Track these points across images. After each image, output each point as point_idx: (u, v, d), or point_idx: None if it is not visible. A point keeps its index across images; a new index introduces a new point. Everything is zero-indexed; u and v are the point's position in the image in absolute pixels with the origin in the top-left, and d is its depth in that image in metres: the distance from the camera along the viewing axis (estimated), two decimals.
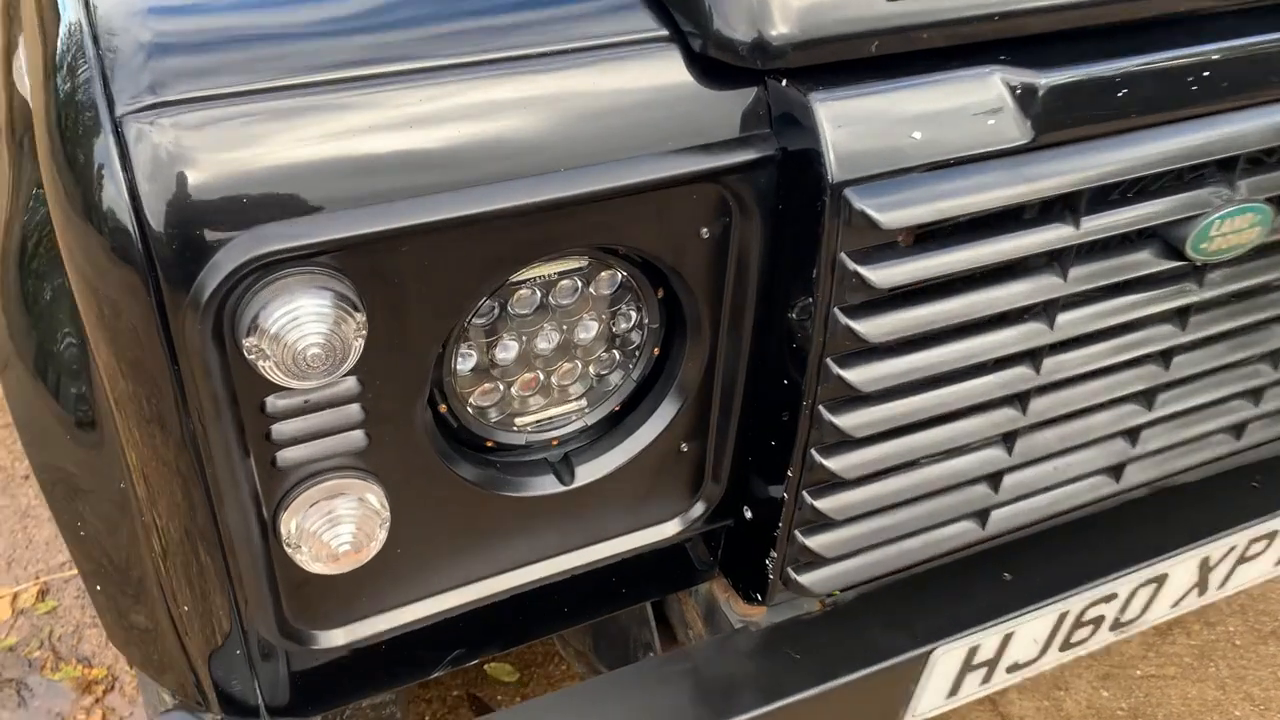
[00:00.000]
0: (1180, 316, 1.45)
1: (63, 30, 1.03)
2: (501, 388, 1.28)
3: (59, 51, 1.02)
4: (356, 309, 1.01)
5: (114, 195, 0.96)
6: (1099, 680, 2.74)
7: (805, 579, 1.41)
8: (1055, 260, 1.30)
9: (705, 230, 1.19)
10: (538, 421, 1.33)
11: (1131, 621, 1.76)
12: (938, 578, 1.60)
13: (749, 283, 1.24)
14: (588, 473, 1.35)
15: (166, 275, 0.97)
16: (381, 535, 1.19)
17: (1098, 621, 1.70)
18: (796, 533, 1.36)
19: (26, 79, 1.17)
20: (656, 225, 1.16)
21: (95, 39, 0.99)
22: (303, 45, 1.02)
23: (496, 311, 1.21)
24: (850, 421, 1.26)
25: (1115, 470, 1.57)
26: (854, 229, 1.13)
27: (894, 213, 1.13)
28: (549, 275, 1.20)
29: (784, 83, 1.14)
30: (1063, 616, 1.63)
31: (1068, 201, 1.26)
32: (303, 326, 0.98)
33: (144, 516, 1.19)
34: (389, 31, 1.05)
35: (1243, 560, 1.78)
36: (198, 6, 1.02)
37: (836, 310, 1.18)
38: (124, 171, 0.95)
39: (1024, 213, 1.30)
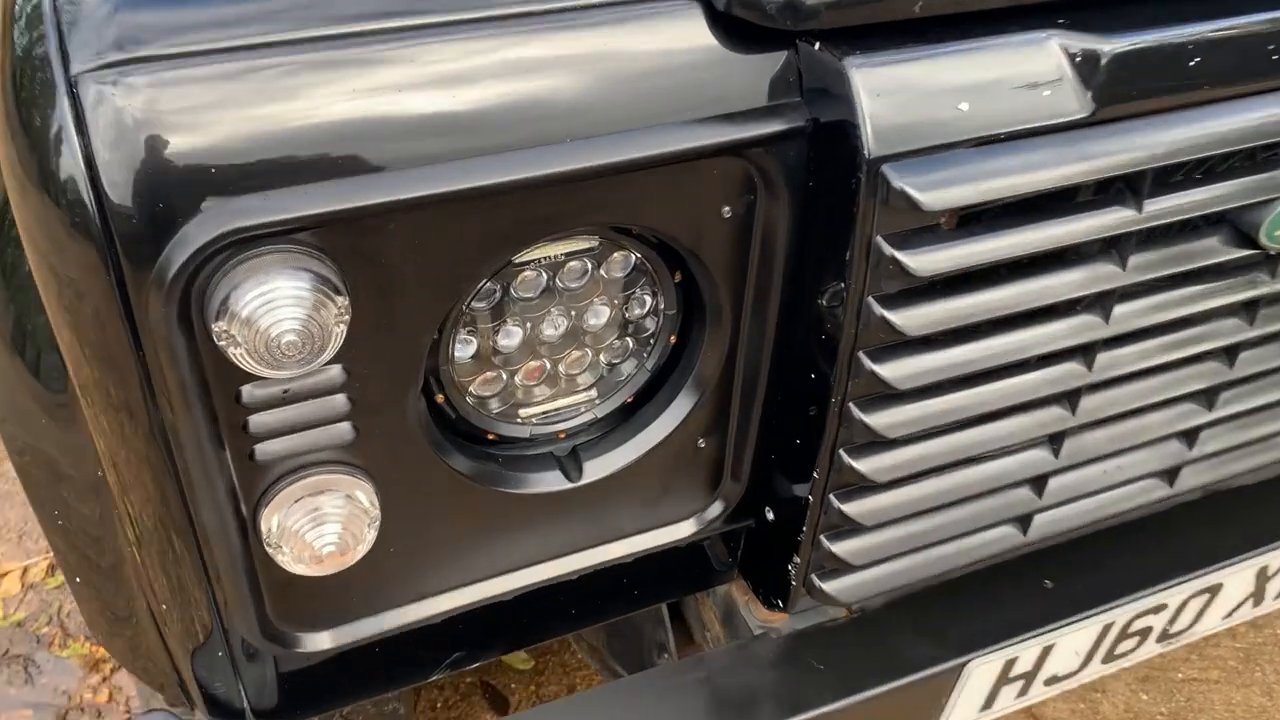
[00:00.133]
0: (1248, 310, 1.33)
1: None
2: (504, 377, 1.18)
3: (17, 1, 0.93)
4: (338, 292, 0.92)
5: (70, 163, 0.86)
6: (1138, 683, 2.63)
7: (830, 586, 1.31)
8: (1113, 247, 1.18)
9: (727, 209, 1.09)
10: (543, 413, 1.24)
11: (1180, 633, 1.64)
12: (973, 584, 1.50)
13: (774, 267, 1.13)
14: (597, 469, 1.25)
15: (127, 251, 0.88)
16: (370, 535, 1.10)
17: (1145, 633, 1.59)
18: (822, 538, 1.26)
19: None
20: (674, 203, 1.06)
21: None
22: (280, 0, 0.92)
23: (498, 295, 1.11)
24: (882, 420, 1.15)
25: (1170, 474, 1.45)
26: (892, 210, 1.02)
27: (937, 192, 1.02)
28: (555, 256, 1.10)
29: (816, 46, 1.03)
30: (1107, 628, 1.52)
31: (1129, 182, 1.14)
32: (278, 311, 0.89)
33: (117, 507, 1.11)
34: None
35: None
36: None
37: (871, 299, 1.07)
38: (80, 137, 0.86)
39: (1078, 194, 1.18)
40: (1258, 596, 1.66)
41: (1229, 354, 1.37)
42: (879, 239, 1.04)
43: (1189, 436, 1.44)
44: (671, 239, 1.10)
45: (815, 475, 1.21)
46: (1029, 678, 1.52)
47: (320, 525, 1.06)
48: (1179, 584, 1.53)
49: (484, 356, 1.15)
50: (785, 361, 1.21)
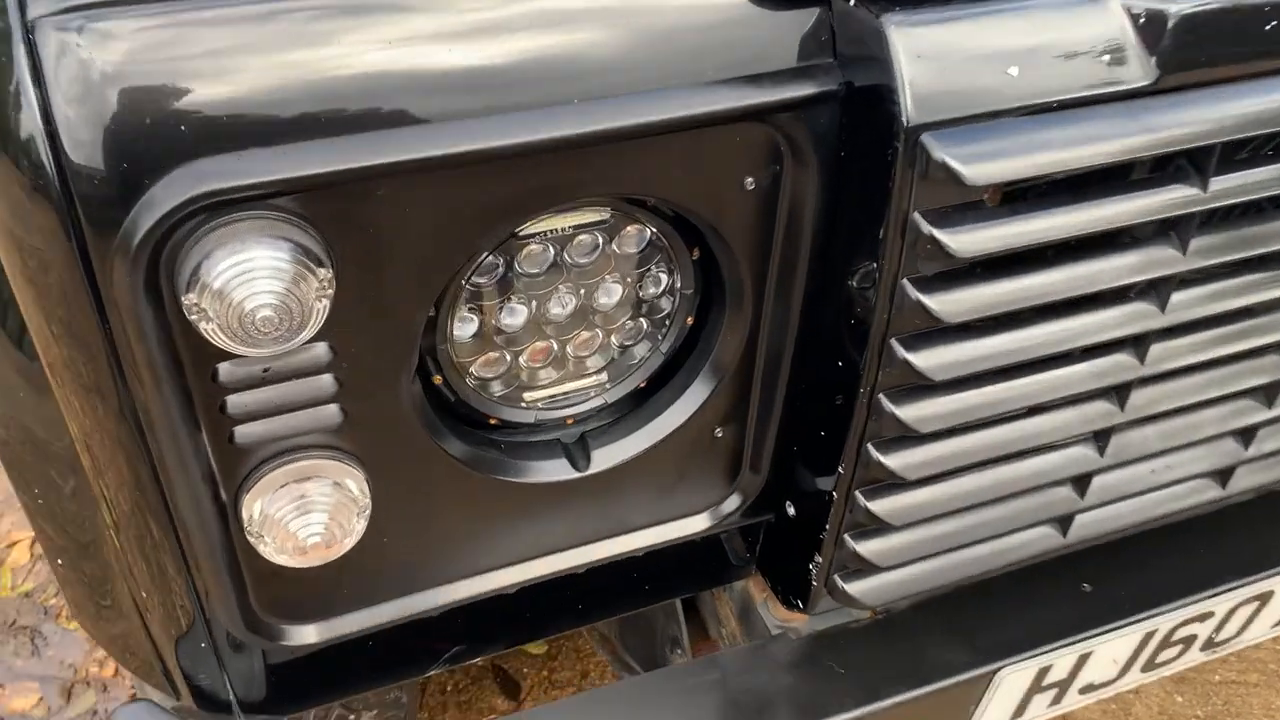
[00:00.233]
0: None
1: None
2: (508, 358, 1.10)
3: None
4: (320, 264, 0.84)
5: (28, 119, 0.79)
6: (1173, 684, 2.53)
7: (853, 588, 1.22)
8: (1172, 229, 1.08)
9: (750, 180, 1.00)
10: (550, 397, 1.16)
11: (1225, 642, 1.55)
12: (1006, 585, 1.41)
13: (801, 244, 1.04)
14: (606, 457, 1.17)
15: (89, 215, 0.81)
16: (360, 526, 1.02)
17: (1188, 641, 1.49)
18: (846, 536, 1.18)
19: None
20: (692, 172, 0.97)
21: None
22: None
23: (501, 270, 1.03)
24: (915, 413, 1.06)
25: (1223, 474, 1.36)
26: (931, 183, 0.93)
27: (981, 165, 0.92)
28: (563, 229, 1.02)
29: (852, 2, 0.94)
30: (1149, 636, 1.43)
31: (1193, 158, 1.05)
32: (253, 283, 0.81)
33: (92, 489, 1.04)
34: None
35: None
36: None
37: (906, 281, 0.98)
38: (37, 89, 0.78)
39: (1135, 171, 1.08)
40: None
41: None
42: (916, 215, 0.95)
43: (1245, 435, 1.34)
44: (689, 212, 1.01)
45: (840, 470, 1.12)
46: (1063, 686, 1.43)
47: (306, 514, 0.99)
48: (1228, 591, 1.43)
49: (486, 336, 1.07)
50: (810, 347, 1.12)
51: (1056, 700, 1.46)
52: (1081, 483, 1.26)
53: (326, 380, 0.95)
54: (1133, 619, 1.39)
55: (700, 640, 1.63)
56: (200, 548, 1.02)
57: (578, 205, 0.99)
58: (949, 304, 0.99)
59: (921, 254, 0.97)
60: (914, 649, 1.35)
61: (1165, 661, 1.51)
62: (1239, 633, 1.54)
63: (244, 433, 0.95)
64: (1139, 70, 0.98)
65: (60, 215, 0.81)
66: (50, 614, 2.52)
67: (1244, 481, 1.38)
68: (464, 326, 1.06)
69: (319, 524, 0.99)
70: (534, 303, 1.07)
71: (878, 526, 1.17)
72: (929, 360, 1.02)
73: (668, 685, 1.30)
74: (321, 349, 0.93)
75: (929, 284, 0.99)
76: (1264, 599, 1.48)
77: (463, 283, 1.01)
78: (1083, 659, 1.39)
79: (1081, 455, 1.23)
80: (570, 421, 1.18)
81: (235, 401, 0.93)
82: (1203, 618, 1.45)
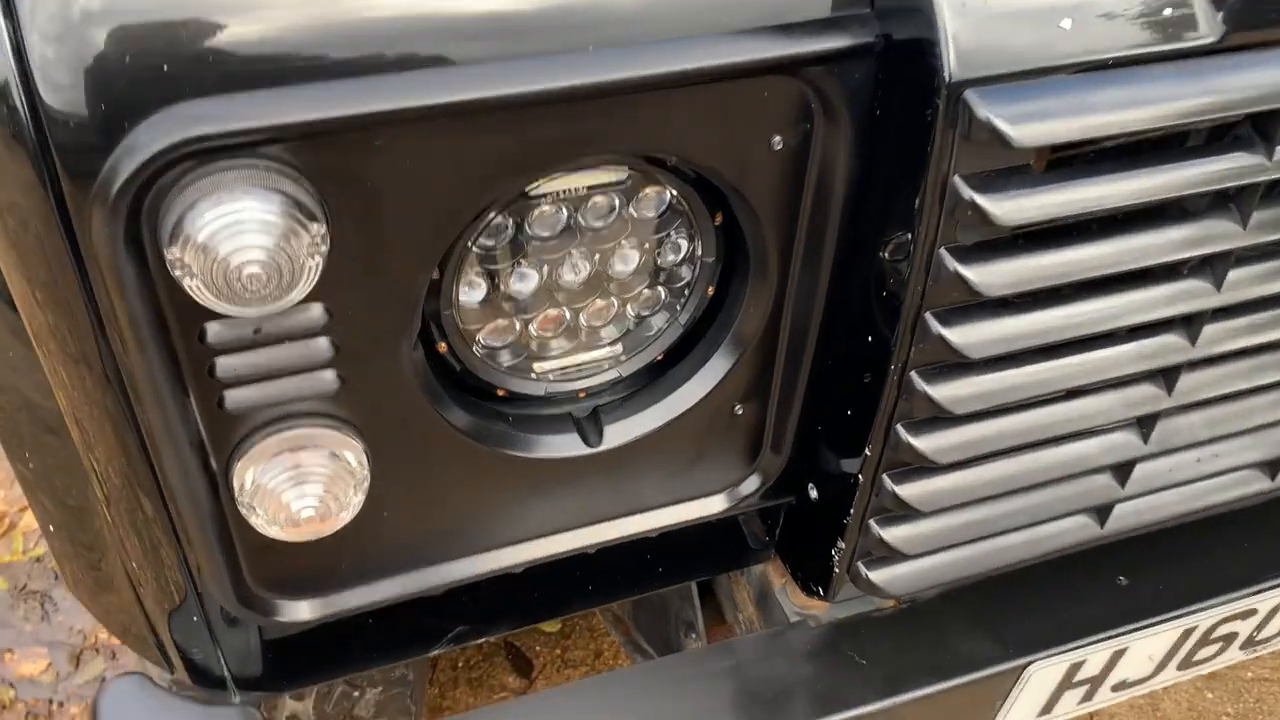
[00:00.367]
0: None
1: None
2: (517, 326, 1.04)
3: None
4: (313, 218, 0.78)
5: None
6: (1203, 681, 2.45)
7: (877, 576, 1.16)
8: (1233, 200, 1.01)
9: (778, 139, 0.93)
10: (561, 369, 1.10)
11: (1268, 640, 1.47)
12: (1037, 577, 1.34)
13: (831, 209, 0.97)
14: (620, 433, 1.12)
15: (66, 162, 0.75)
16: (357, 499, 0.97)
17: (1228, 639, 1.42)
18: (871, 521, 1.11)
19: None
20: (716, 129, 0.91)
21: None
22: None
23: (511, 231, 0.96)
24: (948, 392, 1.00)
25: (1272, 465, 1.28)
26: (974, 145, 0.86)
27: (1028, 126, 0.85)
28: (578, 189, 0.96)
29: None
30: (1188, 633, 1.36)
31: (1259, 123, 0.97)
32: (240, 237, 0.76)
33: (82, 460, 0.99)
34: None
35: None
36: None
37: (943, 251, 0.91)
38: (8, 22, 0.73)
39: (1192, 137, 1.01)
40: None
41: None
42: (956, 179, 0.88)
43: None
44: (712, 173, 0.95)
45: (867, 452, 1.06)
46: (1095, 683, 1.36)
47: (300, 485, 0.93)
48: (1272, 587, 1.36)
49: (494, 302, 1.01)
50: (838, 320, 1.05)
51: (1087, 698, 1.39)
52: (1123, 470, 1.19)
53: (322, 344, 0.89)
54: (1171, 615, 1.32)
55: (715, 624, 1.57)
56: (190, 519, 0.97)
57: (593, 163, 0.93)
58: (989, 276, 0.92)
59: (961, 221, 0.90)
60: (939, 641, 1.28)
61: (1203, 660, 1.44)
62: None
63: (234, 398, 0.89)
64: (1204, 27, 0.90)
65: (36, 164, 0.75)
66: (61, 580, 2.49)
67: None
68: (471, 292, 1.00)
69: (314, 496, 0.93)
70: (545, 268, 1.00)
71: (905, 512, 1.10)
72: (965, 336, 0.96)
73: (681, 671, 1.24)
74: (316, 310, 0.87)
75: (968, 254, 0.92)
76: None
77: (469, 244, 0.95)
78: (1116, 655, 1.33)
79: (1124, 441, 1.16)
80: (582, 395, 1.13)
81: (224, 364, 0.87)
82: (1245, 615, 1.38)
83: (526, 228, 0.97)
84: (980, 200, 0.88)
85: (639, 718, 1.20)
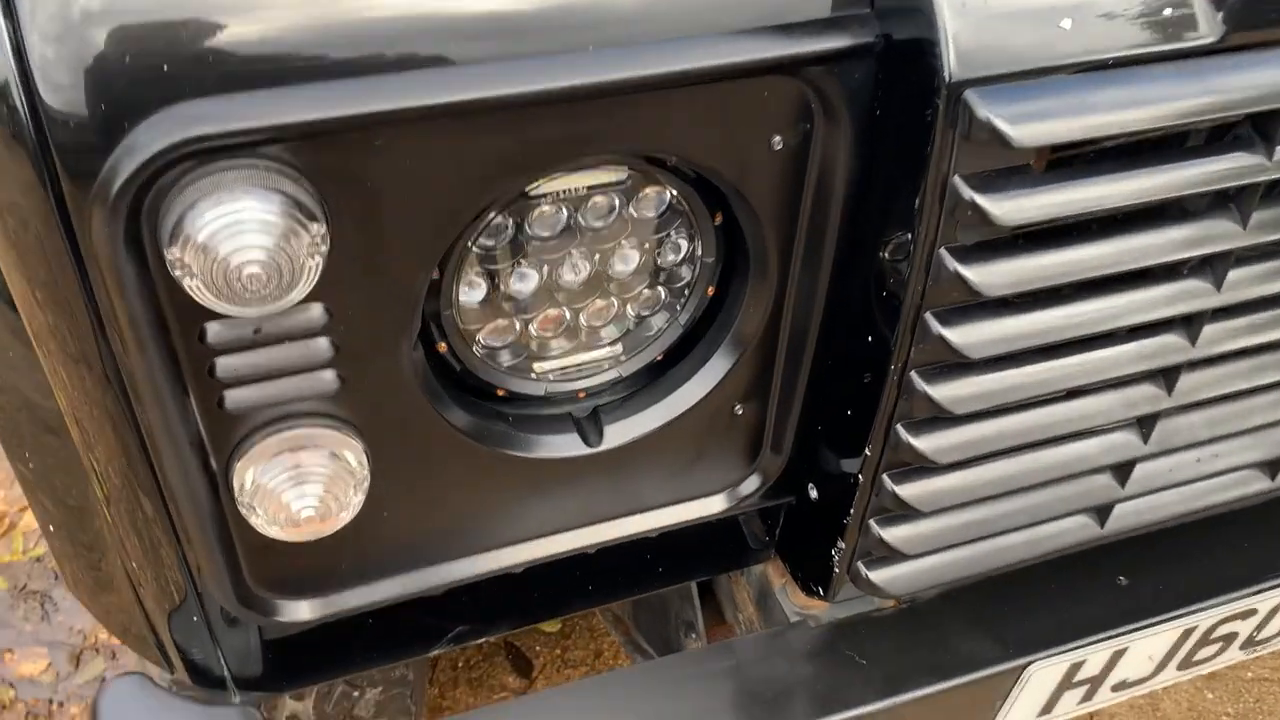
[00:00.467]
0: None
1: None
2: (517, 326, 1.04)
3: None
4: (313, 218, 0.78)
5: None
6: (1203, 681, 2.45)
7: (877, 576, 1.16)
8: (1233, 200, 1.01)
9: (778, 139, 0.93)
10: (561, 369, 1.10)
11: (1268, 640, 1.47)
12: (1037, 577, 1.34)
13: (831, 210, 0.97)
14: (620, 433, 1.12)
15: (66, 162, 0.75)
16: (357, 499, 0.97)
17: (1228, 639, 1.42)
18: (871, 522, 1.11)
19: None
20: (716, 129, 0.91)
21: None
22: None
23: (511, 231, 0.96)
24: (948, 392, 1.00)
25: (1272, 465, 1.28)
26: (974, 145, 0.86)
27: (1029, 126, 0.85)
28: (578, 190, 0.96)
29: None
30: (1188, 633, 1.36)
31: (1259, 124, 0.97)
32: (240, 237, 0.76)
33: (82, 460, 0.99)
34: None
35: None
36: None
37: (943, 251, 0.91)
38: (8, 21, 0.73)
39: (1191, 137, 1.01)
40: None
41: None
42: (956, 180, 0.88)
43: None
44: (713, 173, 0.95)
45: (867, 452, 1.06)
46: (1095, 683, 1.36)
47: (300, 485, 0.93)
48: (1273, 587, 1.36)
49: (494, 302, 1.01)
50: (838, 320, 1.05)
51: (1087, 698, 1.39)
52: (1123, 470, 1.19)
53: (322, 344, 0.89)
54: (1171, 615, 1.32)
55: (715, 624, 1.57)
56: (190, 519, 0.97)
57: (593, 164, 0.93)
58: (989, 276, 0.92)
59: (961, 221, 0.90)
60: (939, 641, 1.28)
61: (1203, 660, 1.44)
62: None
63: (234, 398, 0.89)
64: (1204, 27, 0.90)
65: (36, 164, 0.75)
66: (61, 580, 2.49)
67: None
68: (470, 292, 1.00)
69: (314, 496, 0.93)
70: (545, 268, 1.00)
71: (905, 512, 1.10)
72: (965, 336, 0.96)
73: (681, 671, 1.24)
74: (316, 311, 0.87)
75: (968, 254, 0.92)
76: None
77: (469, 244, 0.95)
78: (1117, 655, 1.33)
79: (1124, 441, 1.16)
80: (582, 395, 1.13)
81: (225, 364, 0.87)
82: (1245, 615, 1.38)
83: (526, 228, 0.97)
84: (980, 200, 0.88)
85: (639, 718, 1.20)
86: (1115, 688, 1.41)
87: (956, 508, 1.13)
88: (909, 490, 1.08)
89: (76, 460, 1.02)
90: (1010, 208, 0.88)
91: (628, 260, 1.03)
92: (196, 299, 0.78)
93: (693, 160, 0.93)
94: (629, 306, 1.08)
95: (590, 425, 1.12)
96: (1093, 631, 1.29)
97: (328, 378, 0.91)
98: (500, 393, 1.09)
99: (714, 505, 1.21)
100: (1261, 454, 1.25)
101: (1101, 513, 1.23)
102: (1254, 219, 1.00)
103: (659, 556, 1.31)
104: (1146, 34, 0.89)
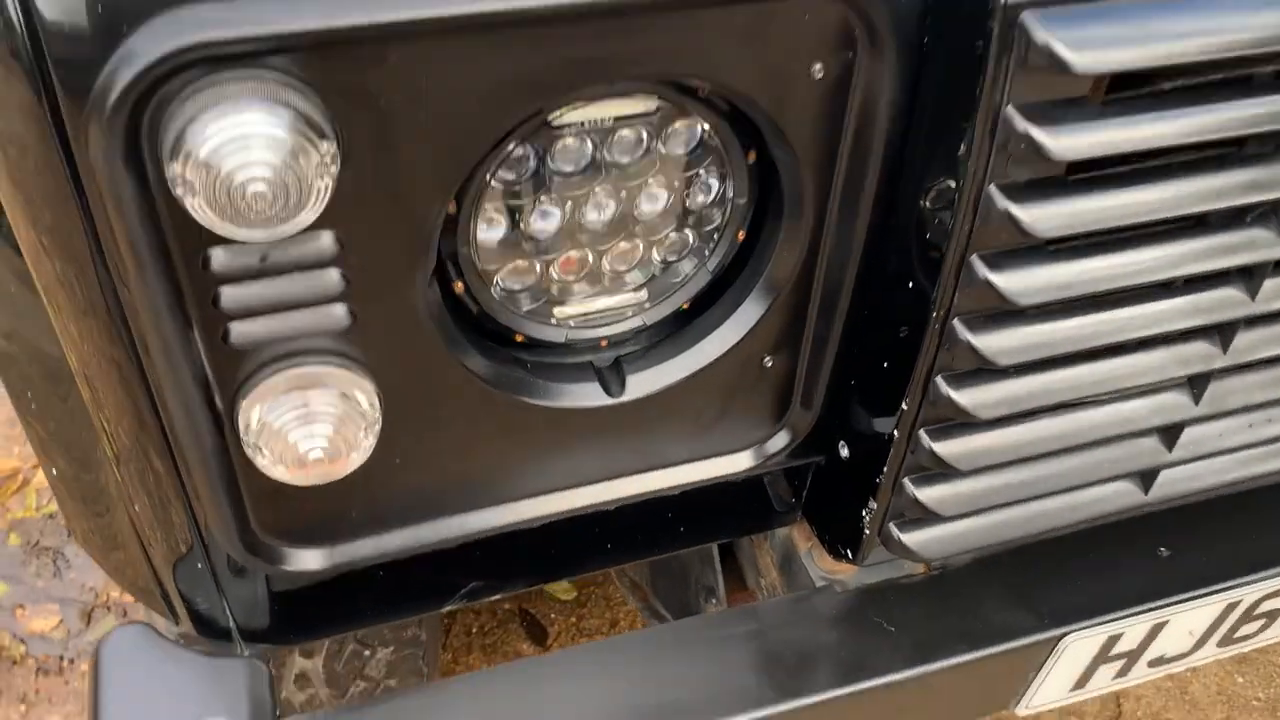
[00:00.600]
0: None
1: None
2: (537, 268, 0.99)
3: None
4: (323, 135, 0.73)
5: None
6: (1233, 664, 2.40)
7: (910, 539, 1.11)
8: None
9: (819, 67, 0.87)
10: (583, 315, 1.05)
11: None
12: (1074, 547, 1.29)
13: (873, 144, 0.92)
14: (643, 384, 1.07)
15: (61, 74, 0.70)
16: (368, 442, 0.93)
17: (1271, 616, 1.36)
18: (905, 481, 1.06)
19: None
20: (754, 53, 0.85)
21: None
22: None
23: (533, 164, 0.91)
24: (992, 342, 0.94)
25: None
26: (1030, 72, 0.80)
27: (1091, 52, 0.79)
28: (605, 121, 0.90)
29: None
30: (1231, 608, 1.30)
31: None
32: (245, 153, 0.71)
33: (84, 393, 0.95)
34: None
35: None
36: None
37: (993, 189, 0.86)
38: None
39: (1255, 78, 0.94)
40: None
41: None
42: (1010, 110, 0.82)
43: None
44: (748, 102, 0.89)
45: (904, 406, 1.00)
46: (1132, 657, 1.31)
47: (308, 424, 0.89)
48: None
49: (514, 241, 0.96)
50: (877, 266, 1.00)
51: (1122, 673, 1.34)
52: (1170, 433, 1.13)
53: (332, 276, 0.84)
54: (1215, 588, 1.27)
55: (737, 590, 1.53)
56: (194, 461, 0.93)
57: (621, 91, 0.88)
58: (1041, 216, 0.86)
59: (1013, 156, 0.84)
60: (971, 609, 1.23)
61: (1244, 637, 1.38)
62: None
63: (240, 331, 0.85)
64: None
65: (32, 81, 0.71)
66: (73, 537, 2.47)
67: None
68: (489, 229, 0.95)
69: (322, 437, 0.89)
70: (568, 205, 0.95)
71: (942, 471, 1.05)
72: (1013, 282, 0.90)
73: (702, 633, 1.20)
74: (326, 239, 0.82)
75: (1019, 192, 0.86)
76: None
77: (488, 178, 0.90)
78: (1156, 629, 1.27)
79: (1173, 402, 1.10)
80: (604, 343, 1.08)
81: (230, 294, 0.83)
82: None
83: (549, 161, 0.92)
84: (1035, 133, 0.82)
85: (657, 679, 1.15)
86: (1152, 663, 1.35)
87: (995, 468, 1.08)
88: (946, 448, 1.03)
89: (82, 409, 0.98)
90: (1067, 142, 0.83)
91: (655, 200, 0.98)
92: (199, 220, 0.74)
93: (727, 87, 0.88)
94: (655, 250, 1.03)
95: (612, 375, 1.07)
96: (1132, 603, 1.24)
97: (338, 313, 0.87)
98: (519, 338, 1.04)
99: (740, 463, 1.16)
100: None
101: (1146, 478, 1.17)
102: None
103: (680, 516, 1.27)
104: None
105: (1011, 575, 1.26)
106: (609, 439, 1.09)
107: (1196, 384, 1.09)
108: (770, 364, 1.09)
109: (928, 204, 0.93)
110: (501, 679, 1.13)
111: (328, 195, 0.75)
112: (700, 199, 1.00)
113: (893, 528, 1.11)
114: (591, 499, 1.12)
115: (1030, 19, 0.79)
